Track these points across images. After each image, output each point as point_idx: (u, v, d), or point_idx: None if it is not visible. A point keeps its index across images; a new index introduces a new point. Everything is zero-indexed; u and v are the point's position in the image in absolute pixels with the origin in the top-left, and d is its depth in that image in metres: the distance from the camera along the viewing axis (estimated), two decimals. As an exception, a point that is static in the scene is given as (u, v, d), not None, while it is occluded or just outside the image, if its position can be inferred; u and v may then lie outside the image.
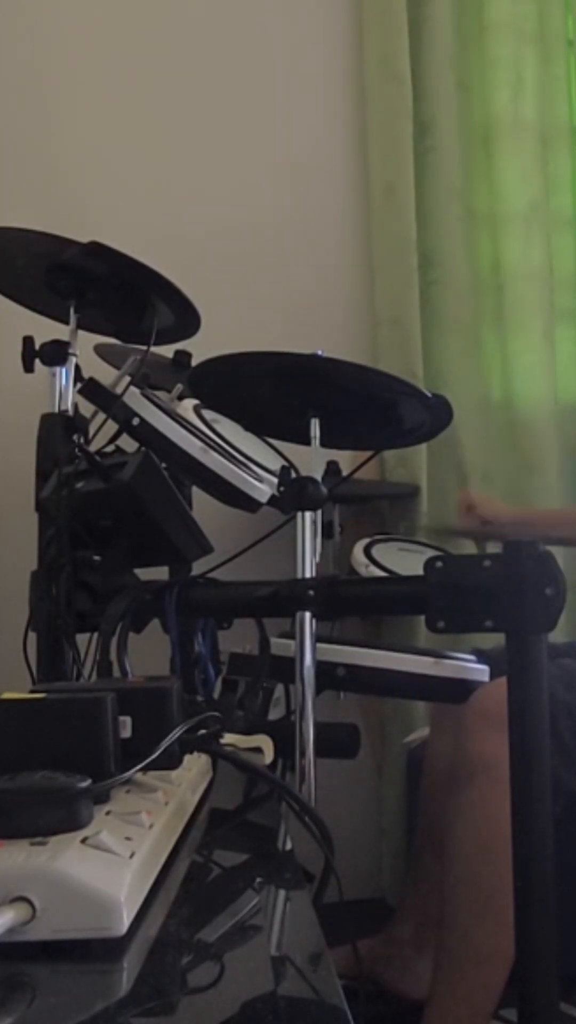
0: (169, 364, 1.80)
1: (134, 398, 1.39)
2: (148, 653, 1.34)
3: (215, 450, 1.42)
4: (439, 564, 1.09)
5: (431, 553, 1.25)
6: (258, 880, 0.74)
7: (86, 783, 0.63)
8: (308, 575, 1.18)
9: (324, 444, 1.23)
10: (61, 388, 1.46)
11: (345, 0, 2.20)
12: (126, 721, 0.76)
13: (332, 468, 1.75)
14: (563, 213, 2.29)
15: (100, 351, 1.73)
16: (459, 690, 1.35)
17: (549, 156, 2.26)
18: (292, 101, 2.18)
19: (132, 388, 1.40)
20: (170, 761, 0.79)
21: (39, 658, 1.36)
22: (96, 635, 1.31)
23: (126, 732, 0.76)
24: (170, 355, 1.81)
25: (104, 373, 1.50)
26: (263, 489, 1.44)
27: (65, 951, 0.54)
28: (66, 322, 1.47)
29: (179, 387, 1.57)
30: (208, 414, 1.56)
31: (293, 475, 1.23)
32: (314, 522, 1.20)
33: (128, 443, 1.45)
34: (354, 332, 2.16)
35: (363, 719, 1.97)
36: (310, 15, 2.20)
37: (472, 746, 1.32)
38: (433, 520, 2.10)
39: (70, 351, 1.46)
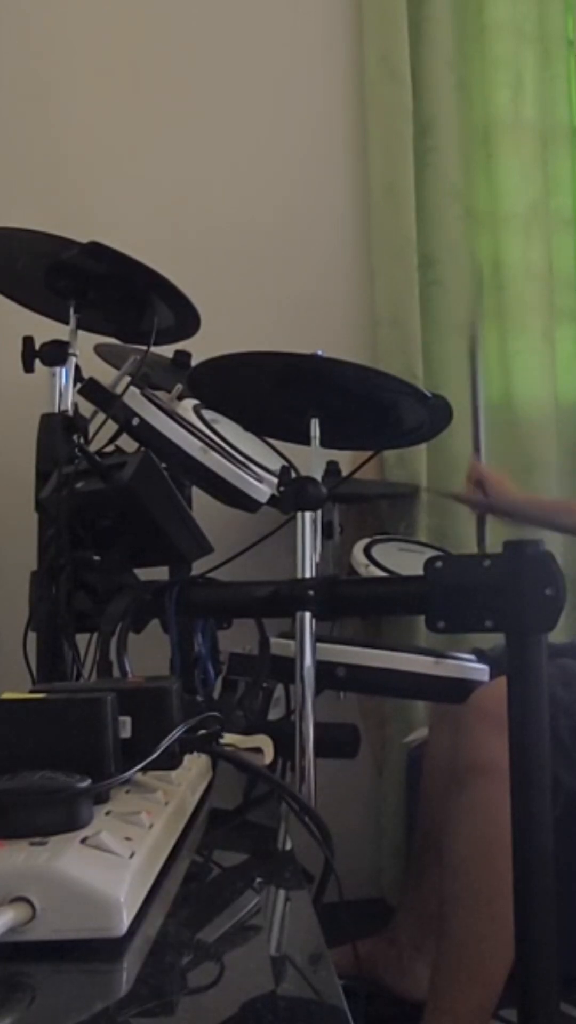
0: (169, 364, 1.80)
1: (134, 398, 1.39)
2: (148, 653, 1.34)
3: (215, 450, 1.42)
4: (439, 564, 1.09)
5: (431, 553, 1.25)
6: (258, 880, 0.74)
7: (86, 783, 0.63)
8: (308, 575, 1.18)
9: (324, 444, 1.23)
10: (61, 388, 1.46)
11: (345, 0, 2.20)
12: (126, 721, 0.76)
13: (332, 468, 1.75)
14: (563, 213, 2.29)
15: (100, 351, 1.73)
16: (459, 690, 1.35)
17: (549, 156, 2.26)
18: (292, 101, 2.18)
19: (132, 388, 1.40)
20: (170, 761, 0.79)
21: (39, 658, 1.36)
22: (96, 635, 1.31)
23: (126, 732, 0.76)
24: (170, 355, 1.81)
25: (104, 373, 1.50)
26: (263, 489, 1.44)
27: (65, 951, 0.54)
28: (66, 322, 1.47)
29: (179, 387, 1.57)
30: (208, 414, 1.56)
31: (293, 475, 1.23)
32: (314, 522, 1.20)
33: (128, 443, 1.45)
34: (354, 332, 2.16)
35: (363, 719, 1.97)
36: (310, 15, 2.20)
37: (472, 746, 1.32)
38: (433, 520, 2.10)
39: (70, 351, 1.46)
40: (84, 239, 1.37)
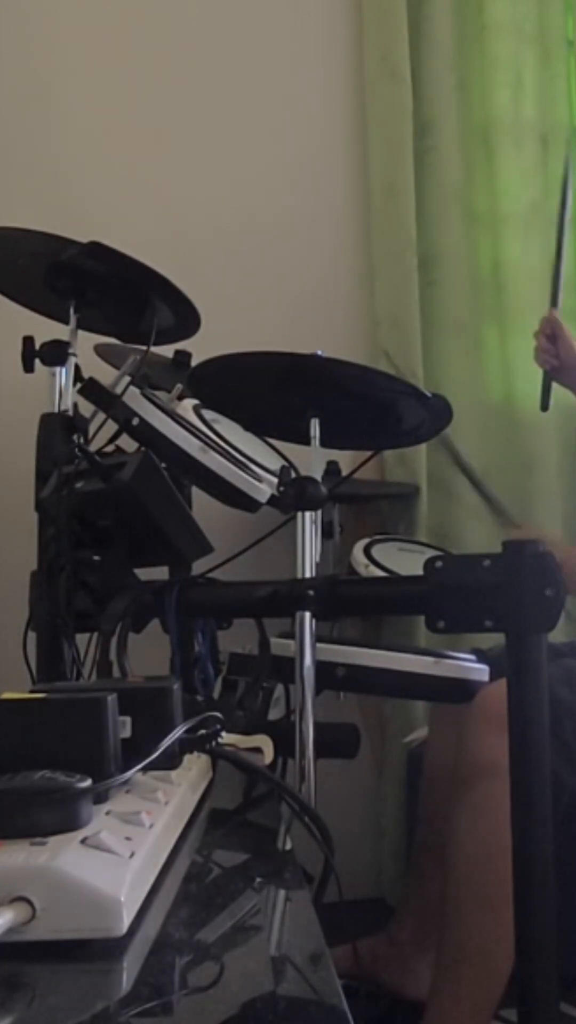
0: (169, 364, 1.80)
1: (134, 398, 1.39)
2: (148, 653, 1.34)
3: (215, 450, 1.42)
4: (439, 564, 1.09)
5: (431, 553, 1.25)
6: (258, 880, 0.74)
7: (86, 783, 0.63)
8: (308, 575, 1.18)
9: (324, 444, 1.23)
10: (61, 388, 1.46)
11: (345, 0, 2.20)
12: (126, 721, 0.76)
13: (332, 468, 1.75)
14: (563, 213, 2.28)
15: (100, 351, 1.73)
16: (459, 690, 1.35)
17: (549, 156, 2.26)
18: (292, 101, 2.18)
19: (132, 388, 1.40)
20: (170, 761, 0.79)
21: (39, 658, 1.36)
22: (96, 635, 1.31)
23: (126, 732, 0.76)
24: (170, 355, 1.81)
25: (104, 373, 1.50)
26: (263, 489, 1.44)
27: (65, 951, 0.54)
28: (66, 322, 1.47)
29: (179, 387, 1.57)
30: (208, 414, 1.56)
31: (293, 475, 1.23)
32: (314, 522, 1.20)
33: (128, 443, 1.45)
34: (354, 332, 2.16)
35: (363, 719, 1.97)
36: (310, 15, 2.20)
37: (474, 748, 1.32)
38: (433, 520, 2.10)
39: (70, 351, 1.46)
40: (84, 239, 1.37)
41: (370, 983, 1.56)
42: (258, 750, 1.06)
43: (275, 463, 1.63)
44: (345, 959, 1.47)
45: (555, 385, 2.21)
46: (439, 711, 1.71)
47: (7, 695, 0.76)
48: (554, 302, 1.90)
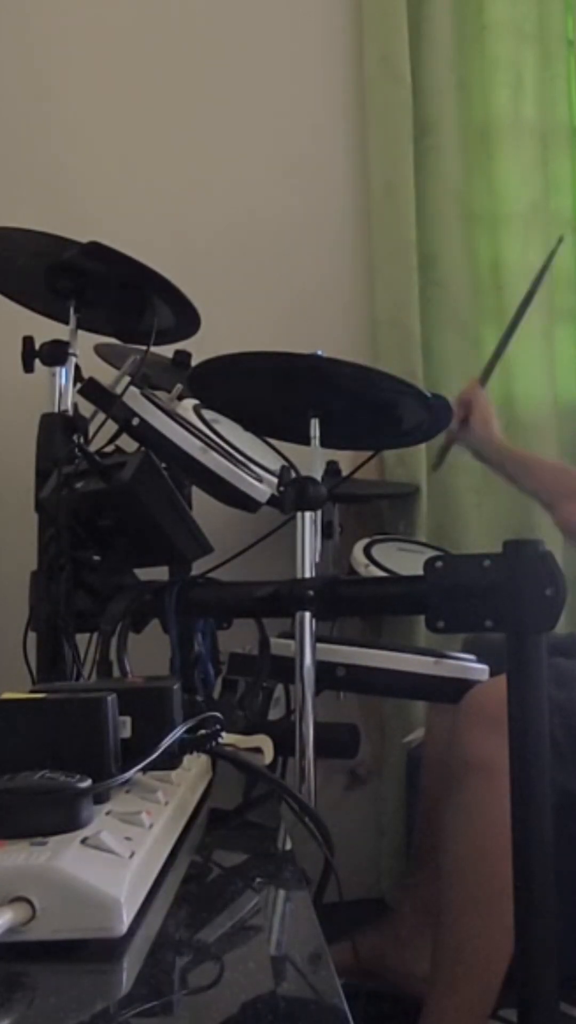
0: (169, 364, 1.80)
1: (134, 398, 1.39)
2: (148, 653, 1.34)
3: (215, 450, 1.42)
4: (439, 564, 1.09)
5: (431, 553, 1.25)
6: (258, 880, 0.74)
7: (86, 783, 0.63)
8: (308, 575, 1.18)
9: (324, 444, 1.23)
10: (61, 388, 1.47)
11: (345, 0, 2.20)
12: (126, 721, 0.76)
13: (332, 468, 1.75)
14: (563, 213, 2.28)
15: (100, 351, 1.73)
16: (459, 690, 1.35)
17: (549, 156, 2.26)
18: (292, 101, 2.18)
19: (132, 388, 1.40)
20: (170, 761, 0.79)
21: (39, 658, 1.36)
22: (96, 635, 1.31)
23: (126, 732, 0.76)
24: (170, 355, 1.81)
25: (104, 373, 1.50)
26: (263, 489, 1.44)
27: (65, 951, 0.54)
28: (66, 322, 1.47)
29: (179, 387, 1.57)
30: (208, 414, 1.56)
31: (293, 475, 1.23)
32: (314, 522, 1.20)
33: (128, 443, 1.45)
34: (354, 332, 2.16)
35: (363, 719, 1.97)
36: (310, 15, 2.20)
37: (467, 746, 1.32)
38: (433, 520, 2.10)
39: (70, 351, 1.46)
40: (84, 239, 1.37)
41: (370, 979, 1.56)
42: (258, 750, 1.06)
43: (275, 463, 1.63)
44: (345, 957, 1.47)
45: (557, 385, 2.22)
46: (436, 710, 1.71)
47: (7, 695, 0.76)
48: (484, 376, 1.93)
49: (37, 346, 1.47)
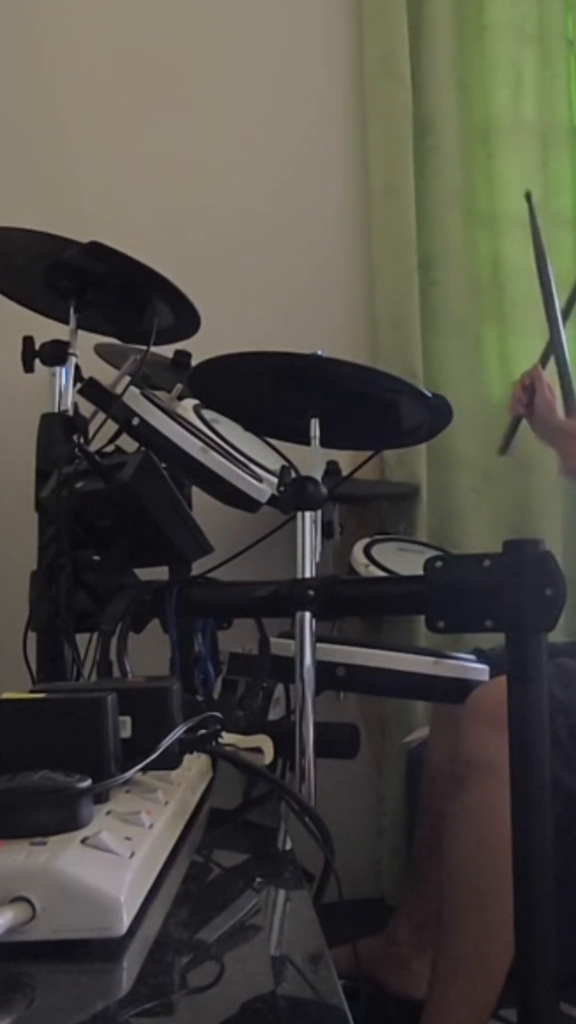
0: (169, 364, 1.80)
1: (134, 398, 1.39)
2: (148, 653, 1.34)
3: (215, 450, 1.42)
4: (439, 564, 1.09)
5: (431, 553, 1.25)
6: (258, 880, 0.74)
7: (86, 783, 0.63)
8: (308, 575, 1.18)
9: (324, 444, 1.23)
10: (61, 388, 1.47)
11: (345, 0, 2.20)
12: (126, 721, 0.76)
13: (332, 468, 1.75)
14: (563, 213, 2.29)
15: (100, 351, 1.73)
16: (459, 690, 1.35)
17: (549, 156, 2.26)
18: (292, 101, 2.18)
19: (132, 388, 1.40)
20: (170, 761, 0.79)
21: (39, 658, 1.36)
22: (96, 635, 1.31)
23: (126, 732, 0.76)
24: (170, 355, 1.81)
25: (104, 373, 1.50)
26: (263, 489, 1.44)
27: (65, 951, 0.54)
28: (66, 322, 1.47)
29: (179, 387, 1.57)
30: (208, 414, 1.56)
31: (293, 475, 1.23)
32: (314, 522, 1.20)
33: (128, 443, 1.45)
34: (354, 332, 2.16)
35: (363, 719, 1.97)
36: (310, 15, 2.20)
37: (470, 746, 1.32)
38: (433, 520, 2.10)
39: (70, 351, 1.46)
40: (84, 239, 1.37)
41: (370, 982, 1.56)
42: (258, 750, 1.06)
43: (275, 463, 1.63)
44: (345, 959, 1.47)
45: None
46: (438, 711, 1.71)
47: (7, 695, 0.76)
48: (543, 359, 1.90)
49: (37, 346, 1.48)
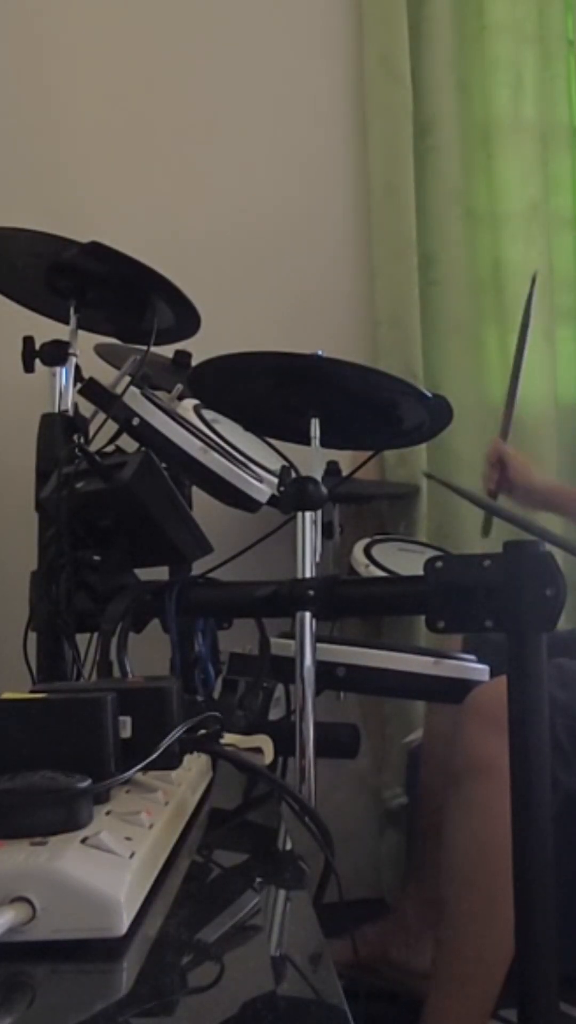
0: (169, 364, 1.80)
1: (134, 398, 1.39)
2: (148, 653, 1.34)
3: (215, 450, 1.42)
4: (439, 564, 1.09)
5: (431, 553, 1.25)
6: (258, 880, 0.74)
7: (86, 783, 0.63)
8: (308, 575, 1.18)
9: (324, 444, 1.23)
10: (61, 388, 1.47)
11: (345, 0, 2.20)
12: (126, 721, 0.76)
13: (332, 468, 1.75)
14: (563, 213, 2.29)
15: (100, 351, 1.73)
16: (459, 690, 1.35)
17: (549, 156, 2.26)
18: (292, 101, 2.18)
19: (132, 388, 1.40)
20: (170, 761, 0.79)
21: (39, 658, 1.36)
22: (96, 635, 1.31)
23: (126, 732, 0.76)
24: (170, 355, 1.81)
25: (104, 373, 1.50)
26: (263, 489, 1.44)
27: (65, 951, 0.54)
28: (66, 322, 1.47)
29: (179, 387, 1.57)
30: (208, 414, 1.56)
31: (293, 475, 1.23)
32: (314, 522, 1.20)
33: (128, 443, 1.45)
34: (354, 332, 2.16)
35: (363, 719, 1.97)
36: (310, 15, 2.20)
37: (468, 746, 1.32)
38: (433, 520, 2.10)
39: (70, 351, 1.46)
40: (84, 239, 1.37)
41: (369, 975, 1.56)
42: (258, 750, 1.06)
43: (275, 463, 1.63)
44: (344, 953, 1.46)
45: (557, 385, 2.22)
46: (435, 710, 1.71)
47: (7, 695, 0.76)
48: (504, 431, 1.91)
49: (37, 346, 1.48)
